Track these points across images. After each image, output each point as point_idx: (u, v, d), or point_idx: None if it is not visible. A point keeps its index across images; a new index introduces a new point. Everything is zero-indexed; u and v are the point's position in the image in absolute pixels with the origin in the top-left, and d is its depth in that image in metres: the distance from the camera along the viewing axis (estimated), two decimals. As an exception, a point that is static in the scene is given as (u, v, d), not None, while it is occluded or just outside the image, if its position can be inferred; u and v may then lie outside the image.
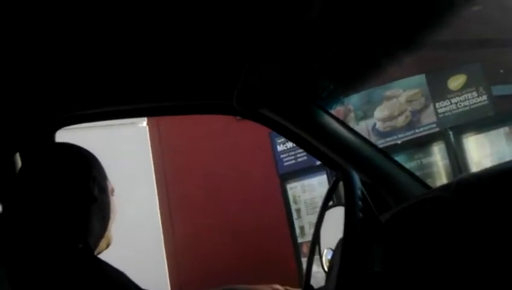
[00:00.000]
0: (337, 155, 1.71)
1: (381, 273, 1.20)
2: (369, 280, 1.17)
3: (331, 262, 1.58)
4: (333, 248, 1.60)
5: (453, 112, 5.46)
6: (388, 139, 5.71)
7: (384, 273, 1.20)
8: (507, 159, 4.85)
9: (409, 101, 5.75)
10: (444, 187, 1.40)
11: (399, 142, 5.63)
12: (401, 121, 5.74)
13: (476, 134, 5.11)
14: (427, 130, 5.55)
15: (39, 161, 1.48)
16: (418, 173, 4.84)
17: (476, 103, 5.37)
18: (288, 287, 1.70)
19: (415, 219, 1.29)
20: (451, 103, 5.47)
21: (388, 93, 5.92)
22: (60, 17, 1.18)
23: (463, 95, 5.36)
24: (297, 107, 1.67)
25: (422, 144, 5.41)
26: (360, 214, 1.16)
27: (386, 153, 1.75)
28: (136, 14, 1.23)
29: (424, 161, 5.43)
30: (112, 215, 1.52)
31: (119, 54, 1.43)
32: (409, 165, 5.46)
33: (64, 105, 1.59)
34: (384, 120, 5.81)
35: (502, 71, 5.59)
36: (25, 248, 1.28)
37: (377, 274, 1.20)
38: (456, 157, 5.03)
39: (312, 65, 1.50)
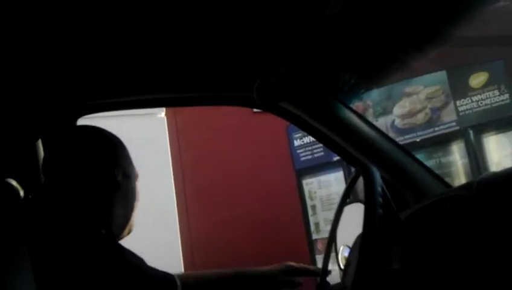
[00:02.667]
0: (357, 150, 1.68)
1: (400, 271, 1.19)
2: (387, 278, 1.16)
3: (348, 259, 1.56)
4: (349, 245, 1.58)
5: (474, 110, 5.33)
6: (407, 136, 5.62)
7: (403, 270, 1.19)
8: None
9: (429, 98, 5.66)
10: (465, 186, 1.37)
11: (418, 140, 5.54)
12: (420, 118, 5.64)
13: (496, 133, 5.05)
14: (446, 128, 5.43)
15: (64, 146, 1.45)
16: (436, 172, 4.81)
17: (497, 102, 5.26)
18: (302, 264, 1.67)
19: (436, 217, 1.29)
20: (472, 101, 5.35)
21: (408, 89, 5.83)
22: (85, 6, 1.18)
23: (484, 93, 5.25)
24: (318, 101, 1.65)
25: (441, 142, 5.33)
26: (380, 211, 1.14)
27: (406, 150, 1.71)
28: (159, 4, 1.22)
29: (443, 159, 5.35)
30: (135, 202, 1.51)
31: (141, 44, 1.42)
32: (427, 163, 5.35)
33: (86, 93, 1.59)
34: (403, 117, 5.71)
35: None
36: (47, 232, 1.27)
37: (395, 272, 1.19)
38: (476, 156, 4.95)
39: (334, 59, 1.47)
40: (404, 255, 1.22)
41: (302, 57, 1.41)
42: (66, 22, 1.23)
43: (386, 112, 5.88)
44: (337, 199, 5.59)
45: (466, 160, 5.05)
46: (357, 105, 5.87)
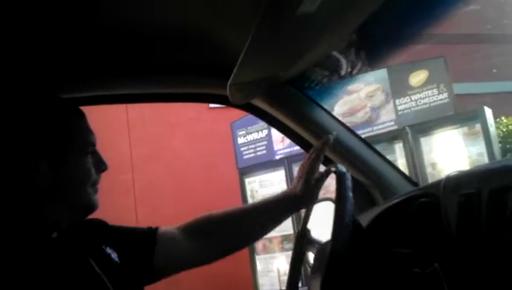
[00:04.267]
0: (327, 148, 1.66)
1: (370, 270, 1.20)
2: (356, 278, 1.17)
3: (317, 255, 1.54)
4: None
5: (413, 109, 5.24)
6: (347, 135, 5.63)
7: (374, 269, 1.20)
8: (464, 160, 4.78)
9: (369, 96, 5.64)
10: (432, 185, 1.39)
11: (358, 139, 5.53)
12: (360, 116, 5.62)
13: (434, 134, 5.02)
14: (386, 127, 5.40)
15: None
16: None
17: (436, 101, 5.21)
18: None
19: (405, 215, 1.33)
20: (411, 100, 5.26)
21: (349, 87, 5.70)
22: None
23: (424, 92, 5.21)
24: (290, 99, 1.65)
25: (380, 141, 5.19)
26: (351, 209, 1.16)
27: (376, 149, 1.75)
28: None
29: (382, 159, 5.36)
30: (88, 177, 1.21)
31: (117, 38, 1.34)
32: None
33: (60, 85, 1.46)
34: (344, 115, 5.59)
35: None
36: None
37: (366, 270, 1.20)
38: (413, 157, 4.94)
39: (307, 57, 1.46)
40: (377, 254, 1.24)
41: (275, 55, 1.41)
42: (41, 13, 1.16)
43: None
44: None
45: (404, 160, 5.01)
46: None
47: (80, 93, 1.50)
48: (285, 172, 5.31)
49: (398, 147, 5.10)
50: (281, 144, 5.48)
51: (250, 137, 5.69)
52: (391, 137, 5.21)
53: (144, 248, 1.36)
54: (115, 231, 1.36)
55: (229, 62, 1.37)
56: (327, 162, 1.66)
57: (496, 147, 4.90)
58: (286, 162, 5.32)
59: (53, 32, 1.24)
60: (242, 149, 5.66)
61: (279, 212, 1.46)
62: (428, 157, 4.96)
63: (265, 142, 5.62)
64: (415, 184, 1.70)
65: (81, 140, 1.20)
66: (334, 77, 1.65)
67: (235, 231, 1.46)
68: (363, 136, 5.40)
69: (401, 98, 5.41)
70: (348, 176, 1.23)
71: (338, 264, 1.11)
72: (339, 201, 1.18)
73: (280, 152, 5.51)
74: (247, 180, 5.47)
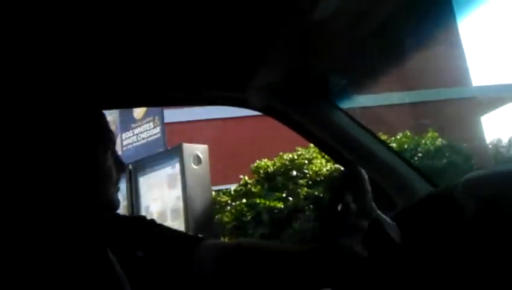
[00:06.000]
0: (346, 150, 1.69)
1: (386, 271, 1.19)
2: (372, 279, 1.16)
3: None
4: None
5: (134, 144, 5.10)
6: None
7: (392, 271, 1.19)
8: (166, 205, 4.37)
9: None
10: (451, 186, 1.38)
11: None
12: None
13: (148, 173, 4.74)
14: None
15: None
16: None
17: (151, 136, 4.99)
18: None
19: (423, 216, 1.32)
20: (134, 134, 5.10)
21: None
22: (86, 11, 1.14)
23: (143, 125, 4.97)
24: (308, 102, 1.67)
25: None
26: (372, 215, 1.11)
27: (395, 150, 1.78)
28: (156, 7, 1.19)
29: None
30: (108, 175, 1.12)
31: (139, 43, 1.34)
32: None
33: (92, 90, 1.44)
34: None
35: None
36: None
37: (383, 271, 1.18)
38: (132, 197, 4.71)
39: (324, 61, 1.53)
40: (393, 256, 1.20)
41: (293, 59, 1.46)
42: (71, 26, 1.18)
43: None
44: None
45: (126, 202, 4.79)
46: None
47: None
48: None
49: (123, 187, 4.78)
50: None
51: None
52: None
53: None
54: (154, 235, 1.26)
55: (248, 67, 1.45)
56: (346, 162, 1.71)
57: (194, 191, 4.35)
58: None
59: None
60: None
61: None
62: (145, 199, 4.76)
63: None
64: (435, 185, 1.69)
65: (106, 136, 1.17)
66: (351, 85, 1.75)
67: None
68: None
69: (127, 132, 5.12)
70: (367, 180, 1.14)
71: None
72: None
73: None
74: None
